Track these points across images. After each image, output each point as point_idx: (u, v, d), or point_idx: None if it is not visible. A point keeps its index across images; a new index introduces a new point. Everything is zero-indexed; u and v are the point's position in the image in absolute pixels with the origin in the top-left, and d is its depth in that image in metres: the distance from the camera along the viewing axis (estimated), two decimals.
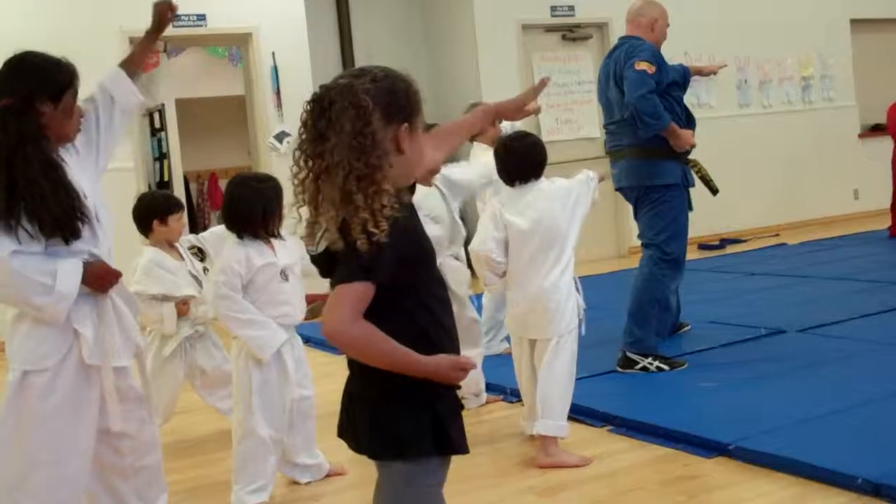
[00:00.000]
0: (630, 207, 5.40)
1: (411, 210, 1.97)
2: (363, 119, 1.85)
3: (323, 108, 1.87)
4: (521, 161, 3.91)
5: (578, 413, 4.17)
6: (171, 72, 14.02)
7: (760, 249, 9.50)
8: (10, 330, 2.69)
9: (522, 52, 9.57)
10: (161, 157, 13.90)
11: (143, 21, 8.39)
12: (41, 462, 2.64)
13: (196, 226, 15.43)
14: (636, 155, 5.07)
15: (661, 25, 5.23)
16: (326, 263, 1.93)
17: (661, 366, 4.87)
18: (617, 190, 5.33)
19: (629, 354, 4.93)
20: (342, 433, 2.11)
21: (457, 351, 2.03)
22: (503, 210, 3.92)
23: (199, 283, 4.41)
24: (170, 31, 8.48)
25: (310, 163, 1.88)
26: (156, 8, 3.10)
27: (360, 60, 9.56)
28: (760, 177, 10.60)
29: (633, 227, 5.41)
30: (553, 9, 9.73)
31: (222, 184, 15.76)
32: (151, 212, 4.39)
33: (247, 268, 3.53)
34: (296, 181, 1.93)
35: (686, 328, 5.73)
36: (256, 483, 3.56)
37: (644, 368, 4.87)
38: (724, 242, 10.02)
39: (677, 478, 3.57)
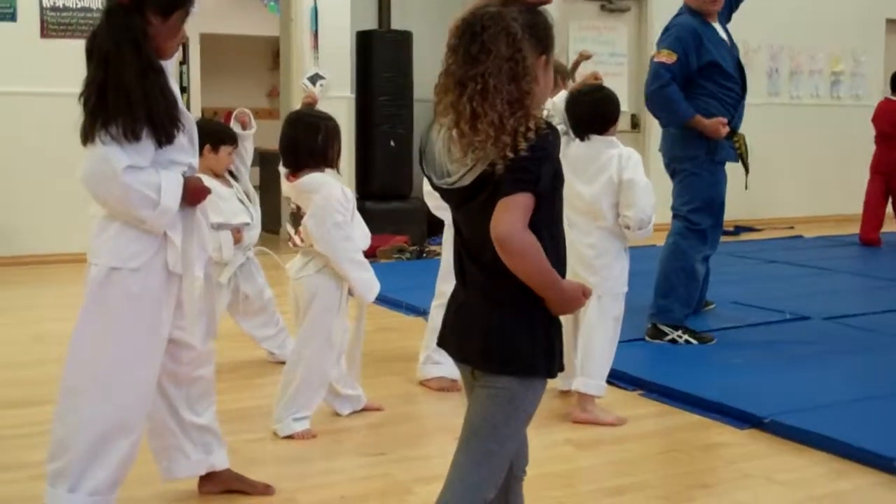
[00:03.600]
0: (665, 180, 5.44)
1: (556, 133, 2.00)
2: (515, 45, 1.90)
3: (475, 32, 1.91)
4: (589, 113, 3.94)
5: (609, 376, 4.22)
6: (200, 6, 13.94)
7: (776, 239, 9.55)
8: (98, 226, 2.68)
9: (560, 19, 9.54)
10: (181, 90, 13.83)
11: None
12: (118, 361, 2.65)
13: None
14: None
15: None
16: (472, 189, 1.97)
17: (690, 339, 4.93)
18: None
19: (658, 325, 4.99)
20: (444, 341, 2.17)
21: None
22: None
23: (248, 209, 4.45)
24: None
25: (460, 86, 1.92)
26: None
27: (396, 11, 9.54)
28: (780, 168, 10.60)
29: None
30: None
31: None
32: (206, 136, 4.37)
33: (348, 200, 3.62)
34: (440, 105, 1.97)
35: (711, 306, 5.78)
36: (304, 412, 3.63)
37: (673, 341, 4.93)
38: (739, 230, 10.06)
39: (713, 444, 3.63)
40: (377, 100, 8.95)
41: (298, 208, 3.73)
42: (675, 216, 5.20)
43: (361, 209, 8.82)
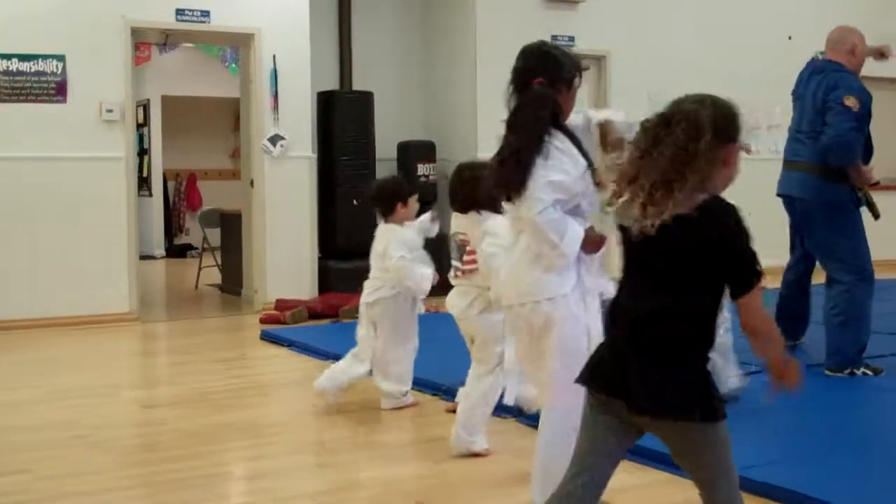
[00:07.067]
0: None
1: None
2: (693, 137, 2.25)
3: (667, 120, 2.28)
4: None
5: None
6: (161, 68, 13.94)
7: None
8: (527, 270, 3.22)
9: None
10: (141, 152, 13.77)
11: (146, 11, 8.44)
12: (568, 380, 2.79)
13: (171, 225, 15.31)
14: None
15: (861, 50, 5.58)
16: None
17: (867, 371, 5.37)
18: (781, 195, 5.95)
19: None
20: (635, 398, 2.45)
21: None
22: None
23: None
24: (173, 24, 8.50)
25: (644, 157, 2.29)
26: None
27: (357, 71, 9.58)
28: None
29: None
30: (554, 38, 9.79)
31: (201, 185, 15.64)
32: (397, 195, 4.78)
33: None
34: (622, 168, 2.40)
35: None
36: None
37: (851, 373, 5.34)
38: None
39: (685, 500, 3.57)
40: (339, 159, 8.96)
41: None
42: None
43: (324, 268, 8.86)
